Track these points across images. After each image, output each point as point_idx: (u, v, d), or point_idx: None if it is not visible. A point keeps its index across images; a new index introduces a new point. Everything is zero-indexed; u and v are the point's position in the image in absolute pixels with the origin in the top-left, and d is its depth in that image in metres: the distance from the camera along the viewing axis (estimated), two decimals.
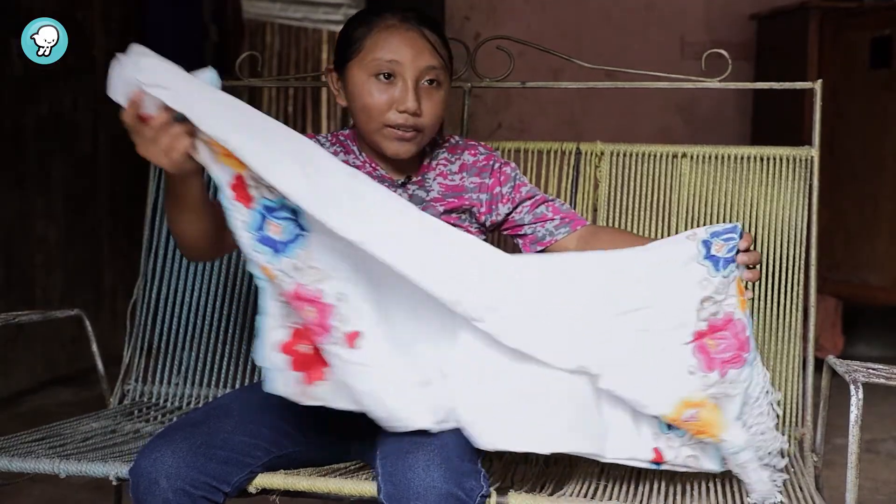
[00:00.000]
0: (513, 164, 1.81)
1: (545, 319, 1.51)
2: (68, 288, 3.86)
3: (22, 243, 3.61)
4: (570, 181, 2.04)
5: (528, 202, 1.77)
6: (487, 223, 1.78)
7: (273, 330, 1.45)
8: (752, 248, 1.58)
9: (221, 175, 1.44)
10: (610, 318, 1.53)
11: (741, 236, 1.53)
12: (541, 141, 2.08)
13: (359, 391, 1.44)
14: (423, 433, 1.45)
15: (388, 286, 1.49)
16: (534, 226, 1.77)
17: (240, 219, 1.44)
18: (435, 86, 1.67)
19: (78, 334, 2.09)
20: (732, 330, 1.52)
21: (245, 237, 1.43)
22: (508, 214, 1.78)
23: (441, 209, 1.74)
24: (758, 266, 1.59)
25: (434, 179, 1.76)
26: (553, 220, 1.77)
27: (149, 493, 1.45)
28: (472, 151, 1.80)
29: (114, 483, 1.60)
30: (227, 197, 1.44)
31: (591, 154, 2.04)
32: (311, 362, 1.46)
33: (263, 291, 1.45)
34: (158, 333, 2.10)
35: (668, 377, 1.51)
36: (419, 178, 1.76)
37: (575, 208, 2.02)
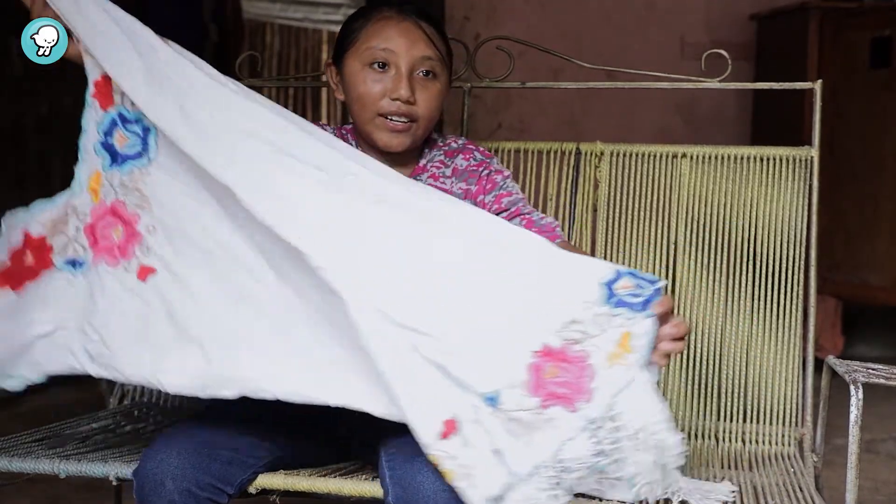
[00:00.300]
0: (506, 172, 1.76)
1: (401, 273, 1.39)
2: None
3: None
4: (570, 181, 2.04)
5: (504, 214, 1.70)
6: None
7: (31, 222, 1.53)
8: (677, 316, 1.37)
9: (90, 69, 1.48)
10: (481, 284, 1.38)
11: (658, 294, 1.33)
12: (541, 141, 2.08)
13: (90, 322, 1.46)
14: None
15: (208, 243, 1.45)
16: None
17: (94, 118, 1.47)
18: (430, 77, 1.67)
19: None
20: (579, 371, 1.32)
21: (91, 135, 1.48)
22: None
23: None
24: (683, 341, 1.37)
25: (425, 182, 1.74)
26: None
27: (154, 495, 1.44)
28: (467, 156, 1.77)
29: (114, 483, 1.60)
30: (90, 92, 1.47)
31: (591, 154, 2.04)
32: (22, 269, 1.49)
33: (68, 194, 1.51)
34: None
35: (495, 368, 1.34)
36: (411, 179, 1.74)
37: (575, 209, 2.02)
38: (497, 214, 1.69)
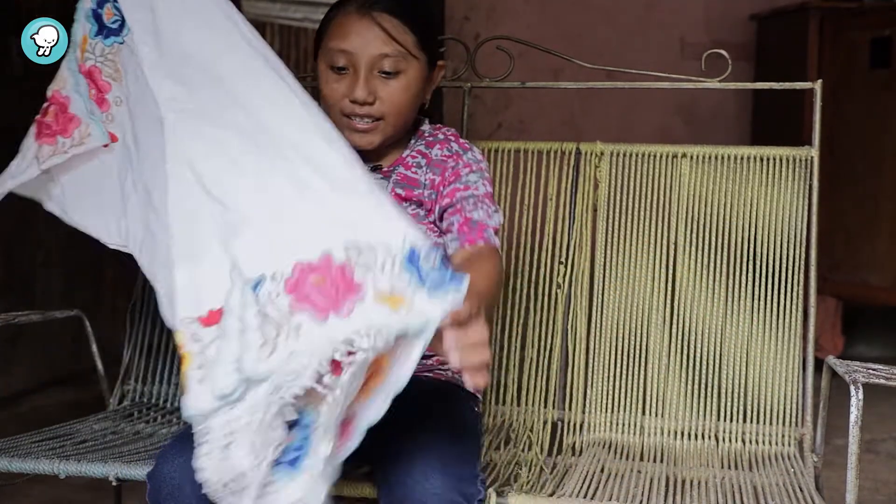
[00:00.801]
0: (476, 166, 1.67)
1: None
2: (68, 288, 3.86)
3: (22, 243, 3.61)
4: (570, 181, 2.04)
5: (448, 210, 1.63)
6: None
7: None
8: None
9: None
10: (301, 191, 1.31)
11: (458, 292, 1.17)
12: (541, 141, 2.08)
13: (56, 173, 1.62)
14: (418, 436, 1.43)
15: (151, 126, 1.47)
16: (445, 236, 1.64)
17: None
18: (393, 75, 1.61)
19: (78, 334, 2.09)
20: (346, 290, 1.20)
21: (86, 2, 1.55)
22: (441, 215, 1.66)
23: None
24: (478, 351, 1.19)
25: (395, 173, 1.69)
26: (451, 232, 1.61)
27: (171, 499, 1.41)
28: (443, 146, 1.70)
29: (113, 483, 1.60)
30: None
31: (591, 154, 2.04)
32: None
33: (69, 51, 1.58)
34: (158, 333, 2.11)
35: (269, 257, 1.26)
36: (389, 168, 1.69)
37: (575, 209, 2.02)
38: (443, 210, 1.64)
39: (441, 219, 1.65)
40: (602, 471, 1.72)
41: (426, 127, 1.74)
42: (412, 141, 1.72)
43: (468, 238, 1.57)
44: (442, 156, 1.69)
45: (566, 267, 2.00)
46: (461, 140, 1.73)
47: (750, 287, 1.95)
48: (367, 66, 1.60)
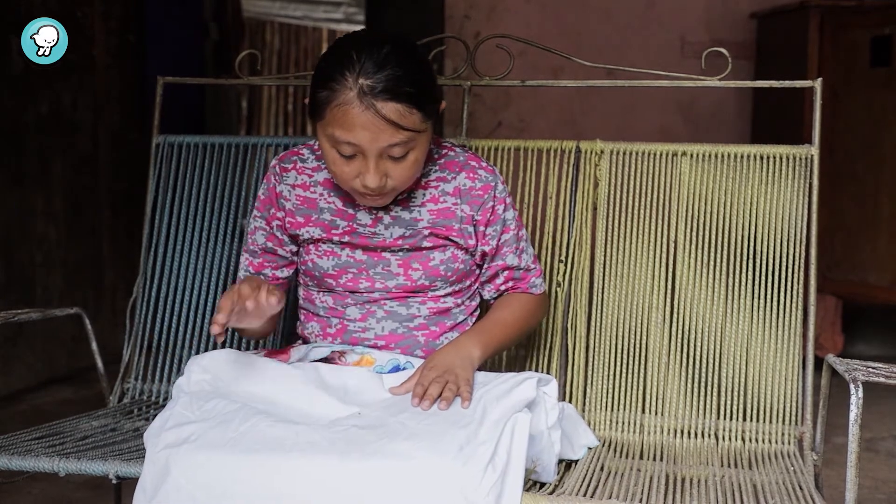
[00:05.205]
0: (509, 199, 1.76)
1: None
2: (68, 286, 3.86)
3: (22, 242, 3.61)
4: (569, 180, 2.04)
5: (494, 258, 1.77)
6: (474, 252, 1.76)
7: None
8: None
9: None
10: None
11: None
12: (541, 139, 2.08)
13: None
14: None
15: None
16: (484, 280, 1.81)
17: None
18: (401, 157, 1.59)
19: (78, 333, 2.09)
20: None
21: None
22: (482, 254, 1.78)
23: (427, 234, 1.71)
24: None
25: (424, 206, 1.71)
26: (496, 287, 1.80)
27: None
28: (471, 175, 1.72)
29: (113, 481, 1.60)
30: None
31: (591, 153, 2.04)
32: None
33: None
34: (158, 332, 2.11)
35: None
36: (404, 196, 1.70)
37: (575, 207, 2.02)
38: (486, 256, 1.76)
39: (482, 261, 1.77)
40: (602, 469, 1.72)
41: (431, 146, 1.72)
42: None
43: (512, 289, 1.81)
44: (472, 189, 1.72)
45: (566, 265, 2.00)
46: (482, 162, 1.75)
47: (750, 285, 1.95)
48: (375, 155, 1.58)
